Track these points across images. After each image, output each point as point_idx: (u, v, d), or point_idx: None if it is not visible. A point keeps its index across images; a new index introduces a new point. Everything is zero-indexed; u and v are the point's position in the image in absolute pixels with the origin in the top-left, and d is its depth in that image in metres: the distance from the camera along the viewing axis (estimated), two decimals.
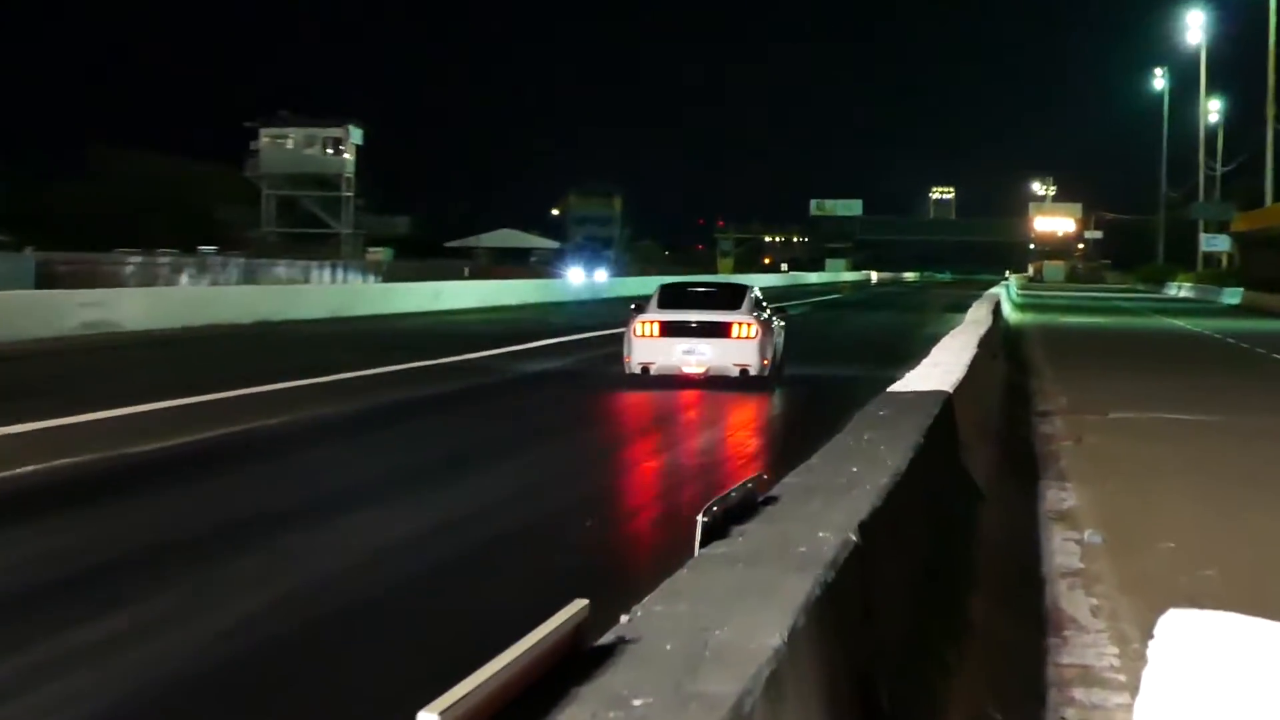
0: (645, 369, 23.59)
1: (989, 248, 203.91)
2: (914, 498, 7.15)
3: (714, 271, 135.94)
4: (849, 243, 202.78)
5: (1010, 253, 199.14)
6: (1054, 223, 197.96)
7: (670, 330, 23.53)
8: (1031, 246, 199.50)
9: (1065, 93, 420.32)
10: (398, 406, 20.18)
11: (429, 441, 16.67)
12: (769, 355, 23.66)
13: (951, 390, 11.31)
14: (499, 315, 50.48)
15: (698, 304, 24.07)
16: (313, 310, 45.27)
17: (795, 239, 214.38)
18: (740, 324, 23.43)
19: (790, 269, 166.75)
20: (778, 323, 25.00)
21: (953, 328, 25.33)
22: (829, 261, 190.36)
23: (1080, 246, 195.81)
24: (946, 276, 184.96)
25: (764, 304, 24.83)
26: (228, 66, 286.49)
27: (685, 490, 13.22)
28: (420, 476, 13.65)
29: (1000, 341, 28.76)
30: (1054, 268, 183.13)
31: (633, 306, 24.61)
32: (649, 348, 23.60)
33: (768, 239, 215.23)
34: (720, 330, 23.42)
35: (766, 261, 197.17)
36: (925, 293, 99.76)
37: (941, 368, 13.69)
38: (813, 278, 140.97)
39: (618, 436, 18.26)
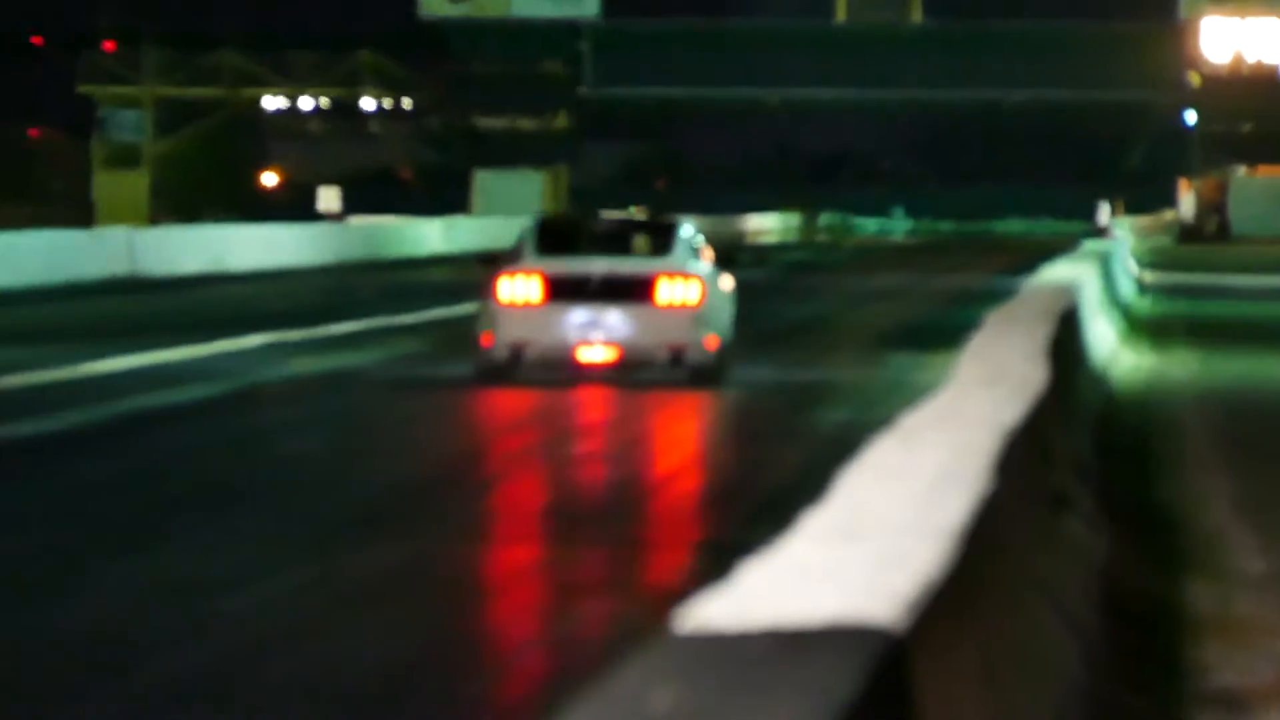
0: (517, 353, 17.93)
1: (1039, 129, 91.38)
2: None
3: (55, 220, 56.59)
4: (560, 113, 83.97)
5: (1114, 144, 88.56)
6: (1268, 32, 79.07)
7: (560, 290, 18.19)
8: (1190, 121, 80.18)
9: None
10: None
11: None
12: (715, 330, 18.51)
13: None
14: None
15: (601, 248, 19.13)
16: None
17: (379, 102, 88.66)
18: (672, 278, 18.27)
19: (345, 212, 71.27)
20: (726, 281, 19.51)
21: (906, 409, 8.38)
22: (484, 179, 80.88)
23: None
24: (899, 227, 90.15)
25: (701, 249, 19.53)
26: None
27: None
28: None
29: (1083, 450, 12.14)
30: (1264, 187, 77.54)
31: (486, 260, 19.28)
32: (524, 320, 18.03)
33: (278, 106, 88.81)
34: (639, 290, 18.22)
35: (273, 179, 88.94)
36: (825, 283, 43.41)
37: (863, 586, 3.09)
38: (424, 233, 55.73)
39: None
